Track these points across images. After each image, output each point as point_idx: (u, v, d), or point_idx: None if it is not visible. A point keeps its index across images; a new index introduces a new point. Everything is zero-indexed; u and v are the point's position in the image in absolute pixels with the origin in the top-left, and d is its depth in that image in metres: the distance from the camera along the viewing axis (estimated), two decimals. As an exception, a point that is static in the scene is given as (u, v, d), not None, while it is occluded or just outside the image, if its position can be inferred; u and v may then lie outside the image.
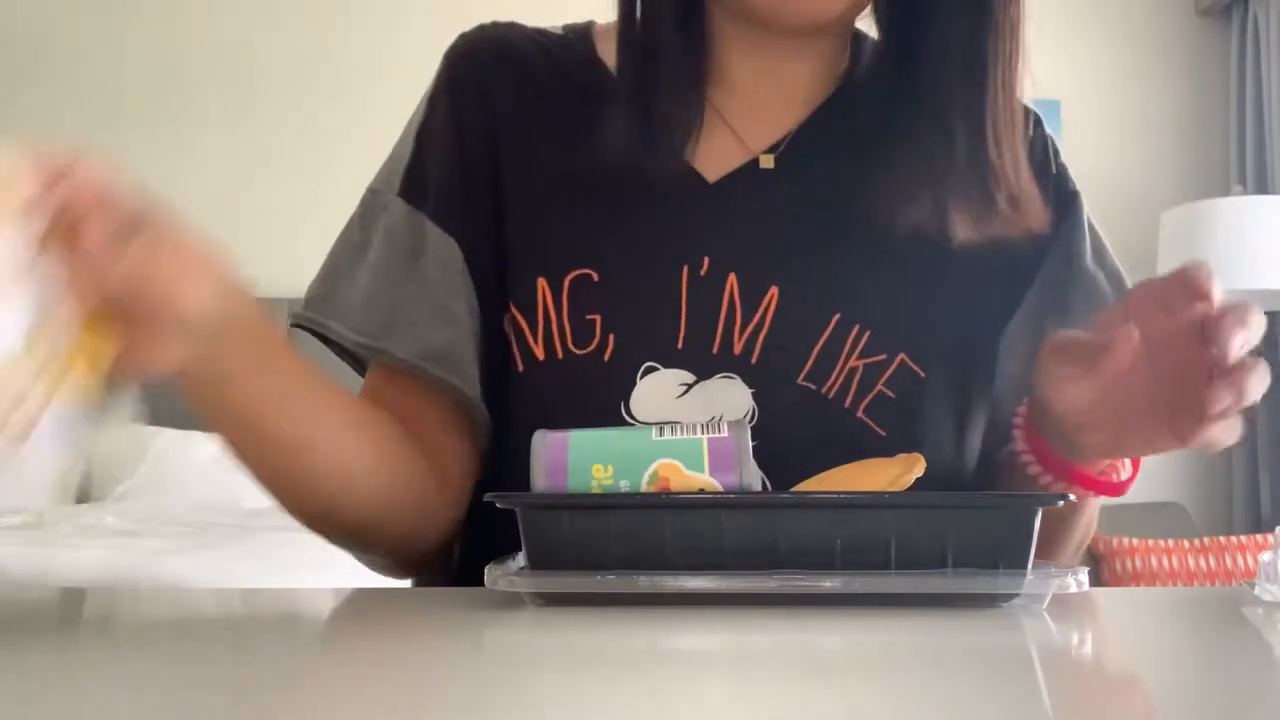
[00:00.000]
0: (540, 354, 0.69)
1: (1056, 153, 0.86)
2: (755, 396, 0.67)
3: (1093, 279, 0.80)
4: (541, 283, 0.69)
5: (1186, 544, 2.67)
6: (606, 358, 0.68)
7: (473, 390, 0.71)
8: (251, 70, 2.81)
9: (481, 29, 0.77)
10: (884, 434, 0.68)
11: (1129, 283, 0.74)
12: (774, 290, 0.69)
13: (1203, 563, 2.64)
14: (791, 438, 0.67)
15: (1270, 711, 0.27)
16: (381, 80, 2.70)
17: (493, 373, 0.71)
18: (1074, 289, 0.78)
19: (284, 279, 2.69)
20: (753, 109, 0.74)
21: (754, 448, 0.65)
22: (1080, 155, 3.11)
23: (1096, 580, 2.71)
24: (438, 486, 0.70)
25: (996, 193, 0.69)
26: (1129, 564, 2.65)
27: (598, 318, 0.69)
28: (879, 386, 0.69)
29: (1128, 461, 0.65)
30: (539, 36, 0.76)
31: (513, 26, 0.77)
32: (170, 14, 2.82)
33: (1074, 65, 3.15)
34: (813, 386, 0.68)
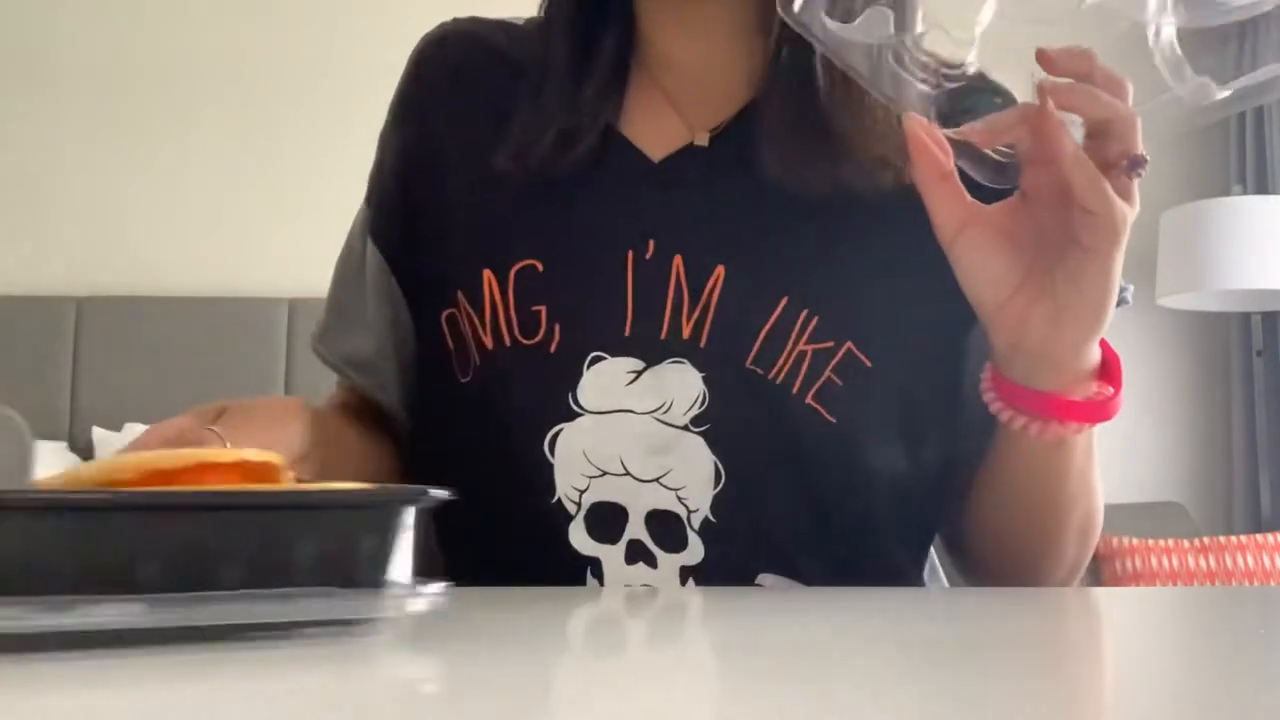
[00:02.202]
0: (489, 344, 0.69)
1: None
2: (705, 380, 0.66)
3: None
4: (488, 275, 0.69)
5: (1186, 544, 2.67)
6: (553, 349, 0.68)
7: (390, 399, 0.76)
8: (247, 71, 2.81)
9: (442, 27, 0.79)
10: (833, 420, 0.66)
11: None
12: (720, 270, 0.67)
13: (1203, 563, 2.64)
14: (741, 423, 0.66)
15: (1271, 712, 0.27)
16: (379, 80, 2.70)
17: (436, 372, 0.73)
18: None
19: (284, 280, 2.70)
20: (698, 90, 0.72)
21: (706, 432, 0.66)
22: (1080, 155, 3.11)
23: (1096, 580, 2.71)
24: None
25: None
26: (1129, 564, 2.65)
27: (543, 308, 0.68)
28: (827, 373, 0.66)
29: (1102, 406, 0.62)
30: (499, 31, 0.77)
31: (475, 21, 0.78)
32: (164, 15, 2.82)
33: (1074, 65, 3.15)
34: (760, 371, 0.66)
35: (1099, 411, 0.61)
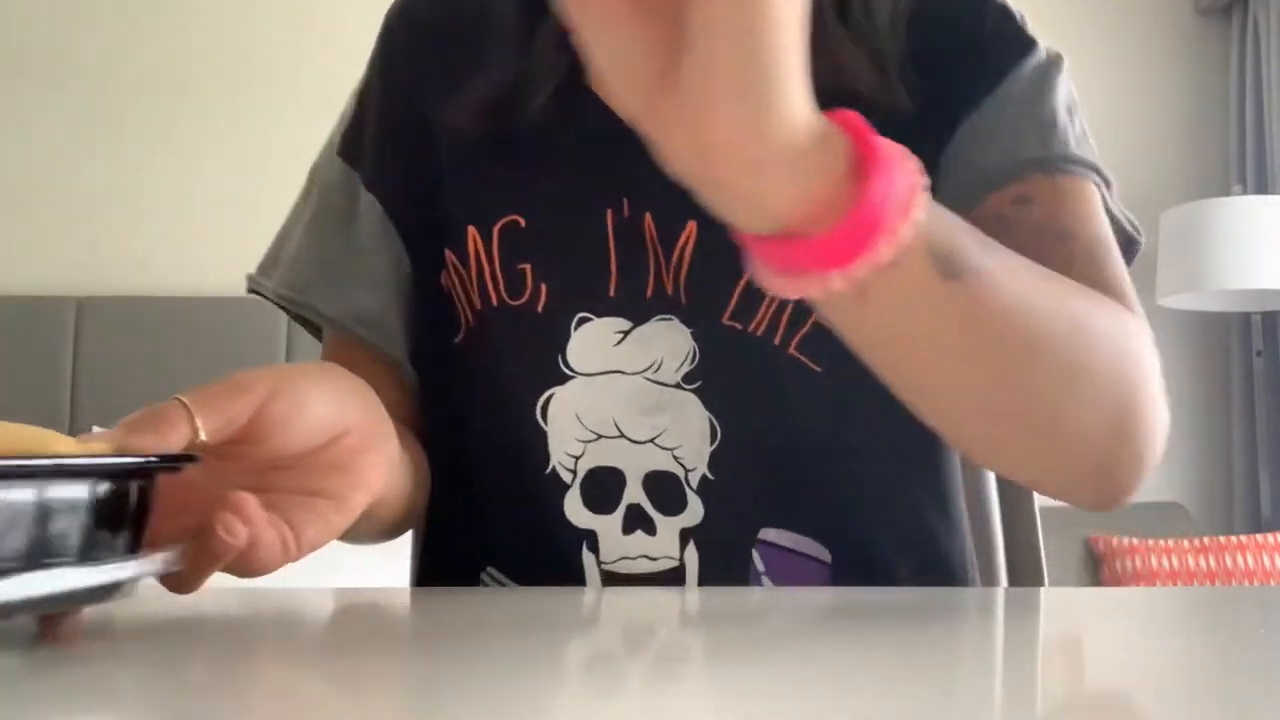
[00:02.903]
0: (478, 304, 0.68)
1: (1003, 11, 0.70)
2: (694, 336, 0.65)
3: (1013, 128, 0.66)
4: (472, 231, 0.68)
5: (1186, 544, 2.67)
6: (540, 309, 0.67)
7: (399, 353, 0.72)
8: (248, 71, 2.81)
9: None
10: (819, 369, 0.65)
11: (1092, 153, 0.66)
12: (691, 226, 0.65)
13: (1203, 563, 2.63)
14: (731, 379, 0.65)
15: (1271, 712, 0.27)
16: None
17: (433, 332, 0.71)
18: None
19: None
20: None
21: (698, 389, 0.64)
22: (1080, 155, 3.11)
23: (1096, 580, 2.71)
24: (425, 465, 0.70)
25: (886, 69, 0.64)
26: (1129, 564, 2.65)
27: (528, 266, 0.67)
28: (809, 322, 0.65)
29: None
30: None
31: None
32: (164, 15, 2.82)
33: (1074, 65, 3.14)
34: (738, 326, 0.65)
35: (825, 251, 0.42)
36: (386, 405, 0.68)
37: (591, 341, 0.66)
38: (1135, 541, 2.68)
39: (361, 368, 0.69)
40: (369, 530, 0.64)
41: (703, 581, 0.65)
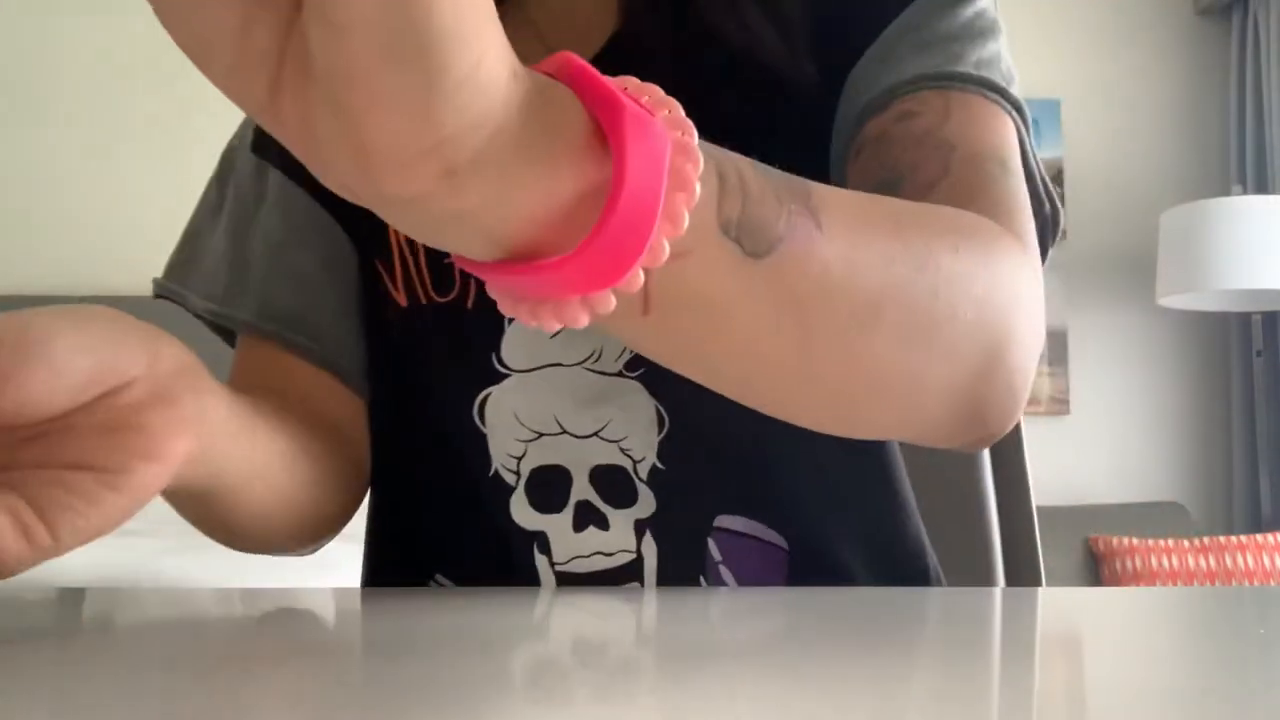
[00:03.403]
0: (403, 300, 0.65)
1: None
2: None
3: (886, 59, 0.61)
4: (393, 230, 0.64)
5: (1186, 544, 2.67)
6: (469, 305, 0.63)
7: (332, 350, 0.65)
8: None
9: None
10: None
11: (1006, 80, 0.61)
12: None
13: (1203, 562, 2.64)
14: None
15: (1271, 712, 0.27)
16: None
17: (372, 333, 0.67)
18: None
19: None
20: (567, 21, 0.66)
21: (642, 376, 0.60)
22: (1080, 155, 3.11)
23: (1096, 580, 2.71)
24: (355, 471, 0.65)
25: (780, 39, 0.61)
26: (1129, 564, 2.65)
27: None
28: None
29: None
30: None
31: None
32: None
33: (1074, 65, 3.15)
34: None
35: (578, 270, 0.31)
36: (318, 413, 0.63)
37: (526, 335, 0.62)
38: (1135, 541, 2.68)
39: (284, 373, 0.65)
40: (238, 527, 0.56)
41: (661, 572, 0.62)
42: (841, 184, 0.60)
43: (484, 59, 0.27)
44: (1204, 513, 3.03)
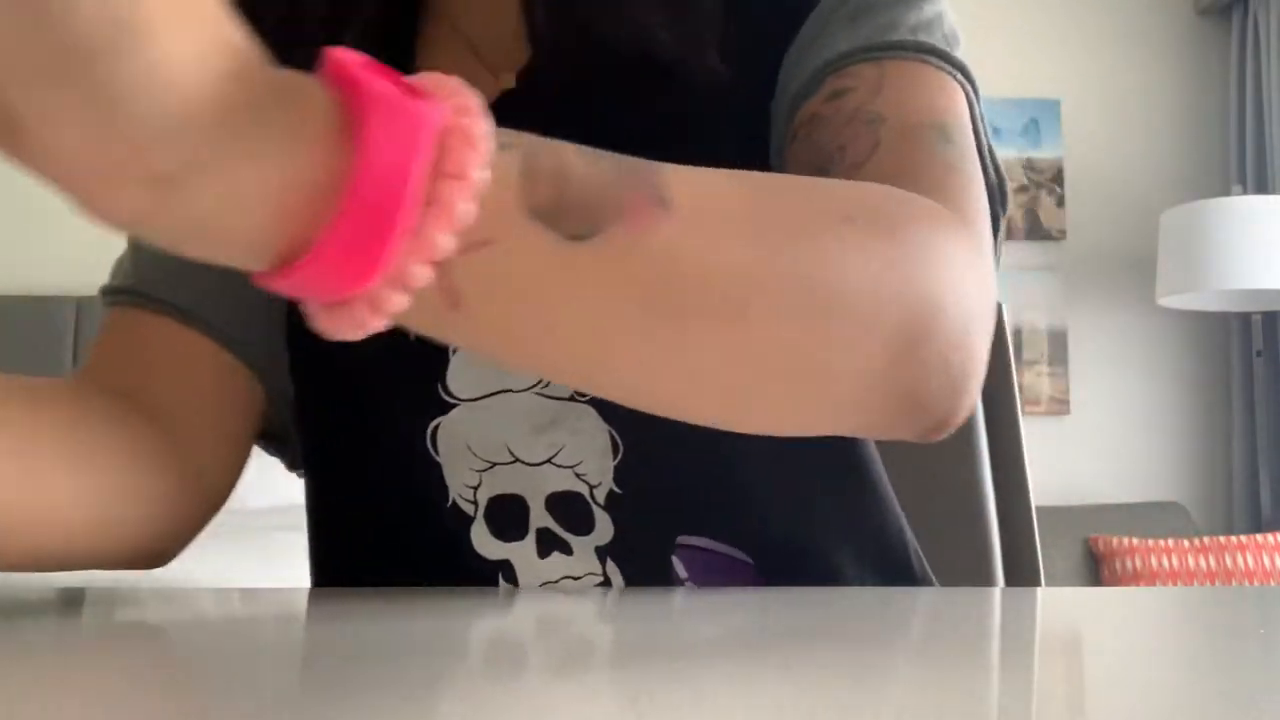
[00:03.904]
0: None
1: None
2: None
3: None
4: None
5: (1186, 544, 2.67)
6: (412, 334, 0.60)
7: (220, 316, 0.59)
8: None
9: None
10: None
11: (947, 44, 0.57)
12: None
13: (1203, 563, 2.64)
14: None
15: (1271, 712, 0.27)
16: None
17: (311, 379, 0.63)
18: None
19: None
20: (495, 26, 0.63)
21: (593, 400, 0.57)
22: (1080, 155, 3.12)
23: (1096, 580, 2.71)
24: (178, 493, 0.58)
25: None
26: (1129, 564, 2.65)
27: None
28: None
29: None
30: None
31: None
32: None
33: (1074, 65, 3.15)
34: None
35: (340, 266, 0.30)
36: (183, 385, 0.56)
37: (472, 363, 0.60)
38: (1135, 541, 2.68)
39: (159, 341, 0.58)
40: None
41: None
42: None
43: (163, 63, 0.26)
44: (1204, 513, 3.03)
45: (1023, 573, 0.84)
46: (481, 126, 0.31)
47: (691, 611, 0.48)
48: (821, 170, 0.52)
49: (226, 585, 1.53)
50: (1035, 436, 2.81)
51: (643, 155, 0.41)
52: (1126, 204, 3.10)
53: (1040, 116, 3.13)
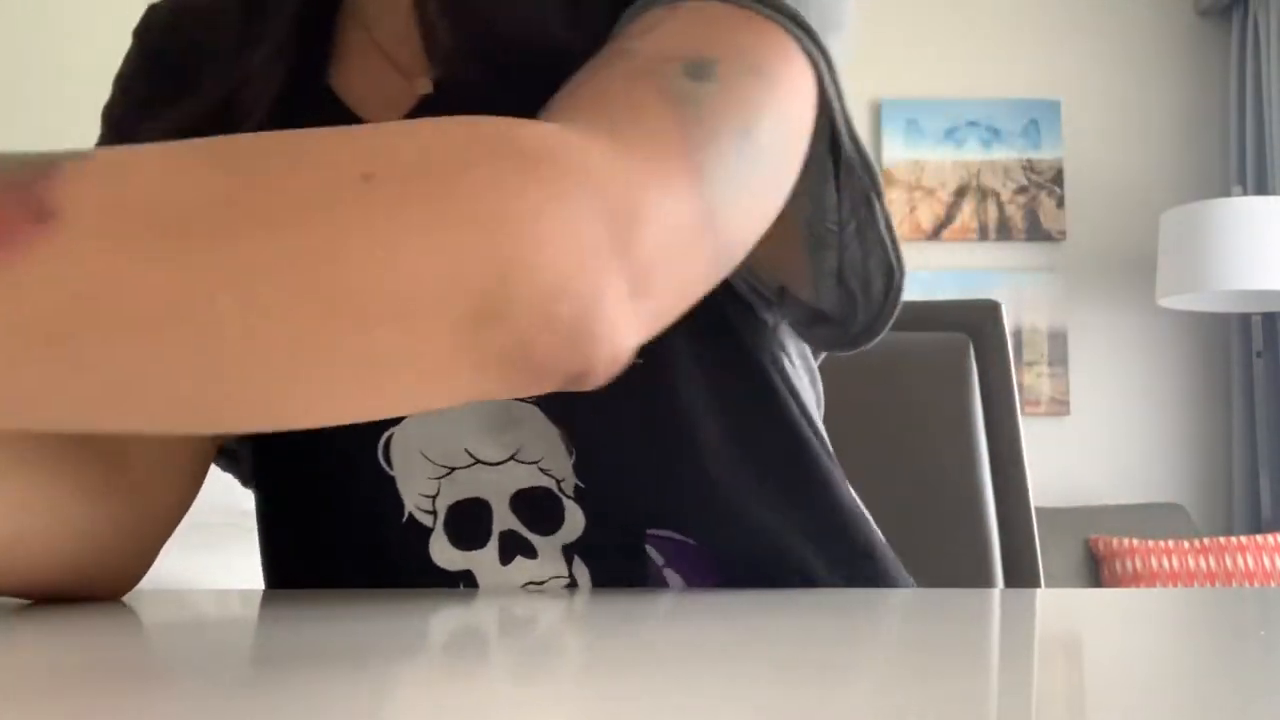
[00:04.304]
0: None
1: None
2: None
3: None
4: None
5: (1186, 544, 2.67)
6: None
7: None
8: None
9: (151, 8, 0.68)
10: (640, 358, 0.56)
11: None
12: None
13: (1203, 563, 2.64)
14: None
15: (1271, 713, 0.27)
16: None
17: None
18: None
19: None
20: (401, 30, 0.61)
21: (538, 401, 0.56)
22: (1080, 155, 3.12)
23: (1096, 581, 2.71)
24: (131, 523, 0.57)
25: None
26: (1129, 565, 2.65)
27: None
28: None
29: None
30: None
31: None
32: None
33: (1074, 65, 3.16)
34: None
35: None
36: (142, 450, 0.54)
37: None
38: (1135, 542, 2.68)
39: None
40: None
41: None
42: None
43: None
44: (1204, 513, 3.03)
45: (1022, 574, 0.84)
46: None
47: (681, 613, 0.47)
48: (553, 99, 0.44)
49: (226, 586, 1.53)
50: (1035, 437, 2.81)
51: None
52: (1126, 204, 3.10)
53: (1040, 117, 3.13)
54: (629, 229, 0.37)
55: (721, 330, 0.60)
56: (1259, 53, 3.01)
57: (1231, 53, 3.11)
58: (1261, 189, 2.97)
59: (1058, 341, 3.06)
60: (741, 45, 0.46)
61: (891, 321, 0.62)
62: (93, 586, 0.56)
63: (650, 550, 0.59)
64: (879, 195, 0.56)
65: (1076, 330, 3.07)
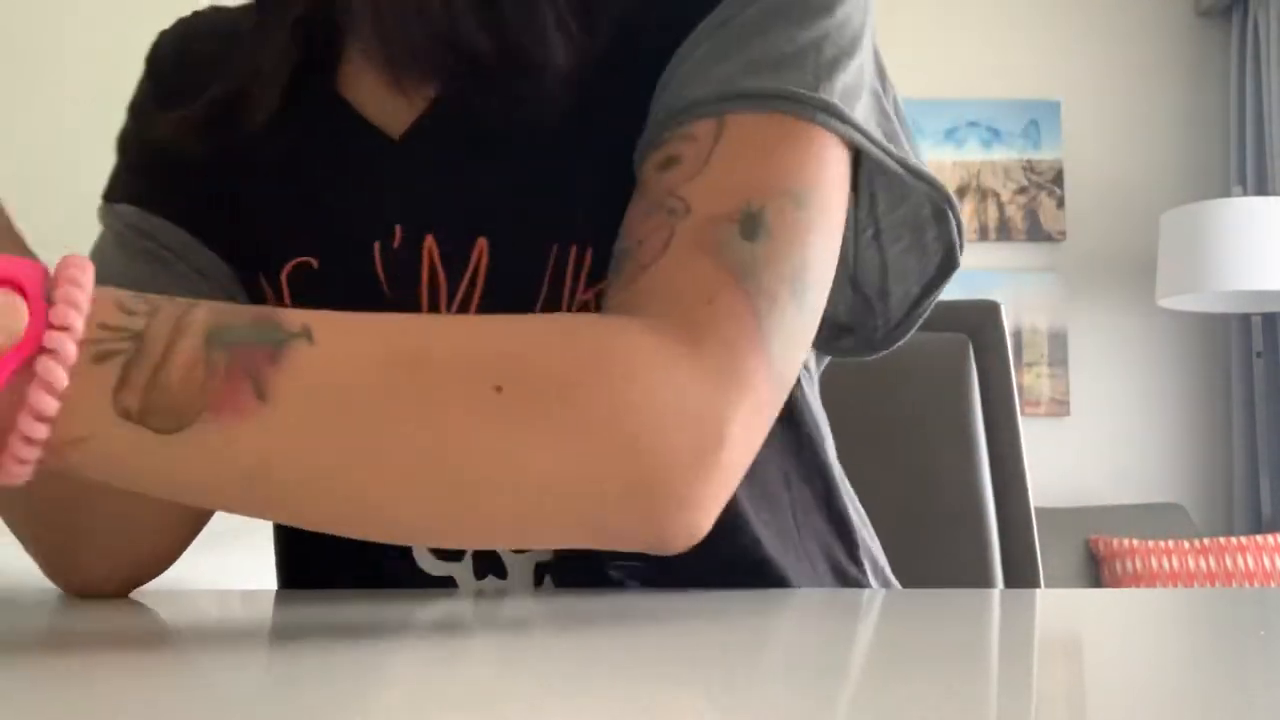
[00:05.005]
0: None
1: None
2: None
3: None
4: (262, 280, 0.62)
5: (1186, 544, 2.67)
6: None
7: None
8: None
9: (182, 22, 0.72)
10: None
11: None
12: (482, 242, 0.58)
13: (1203, 563, 2.63)
14: None
15: (1271, 712, 0.27)
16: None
17: None
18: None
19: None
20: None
21: None
22: (1080, 155, 3.12)
23: (1096, 581, 2.71)
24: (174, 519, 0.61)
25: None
26: (1129, 565, 2.65)
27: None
28: None
29: None
30: (226, 20, 0.69)
31: (216, 11, 0.70)
32: (163, 13, 2.82)
33: (1074, 65, 3.15)
34: None
35: None
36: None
37: None
38: (1135, 542, 2.68)
39: None
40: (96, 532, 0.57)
41: None
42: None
43: None
44: (1204, 513, 3.03)
45: (1022, 574, 0.84)
46: (68, 350, 0.37)
47: (681, 612, 0.47)
48: (620, 257, 0.52)
49: (226, 586, 1.53)
50: (1035, 437, 2.80)
51: (565, 153, 0.52)
52: (1126, 205, 3.10)
53: (1040, 117, 3.13)
54: (718, 432, 0.45)
55: None
56: (1259, 53, 3.01)
57: (1231, 53, 3.10)
58: (1261, 189, 2.97)
59: (1058, 342, 3.05)
60: (782, 173, 0.51)
61: (915, 328, 0.63)
62: (140, 574, 0.61)
63: (612, 574, 0.59)
64: (949, 203, 0.58)
65: (1076, 331, 3.07)
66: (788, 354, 0.49)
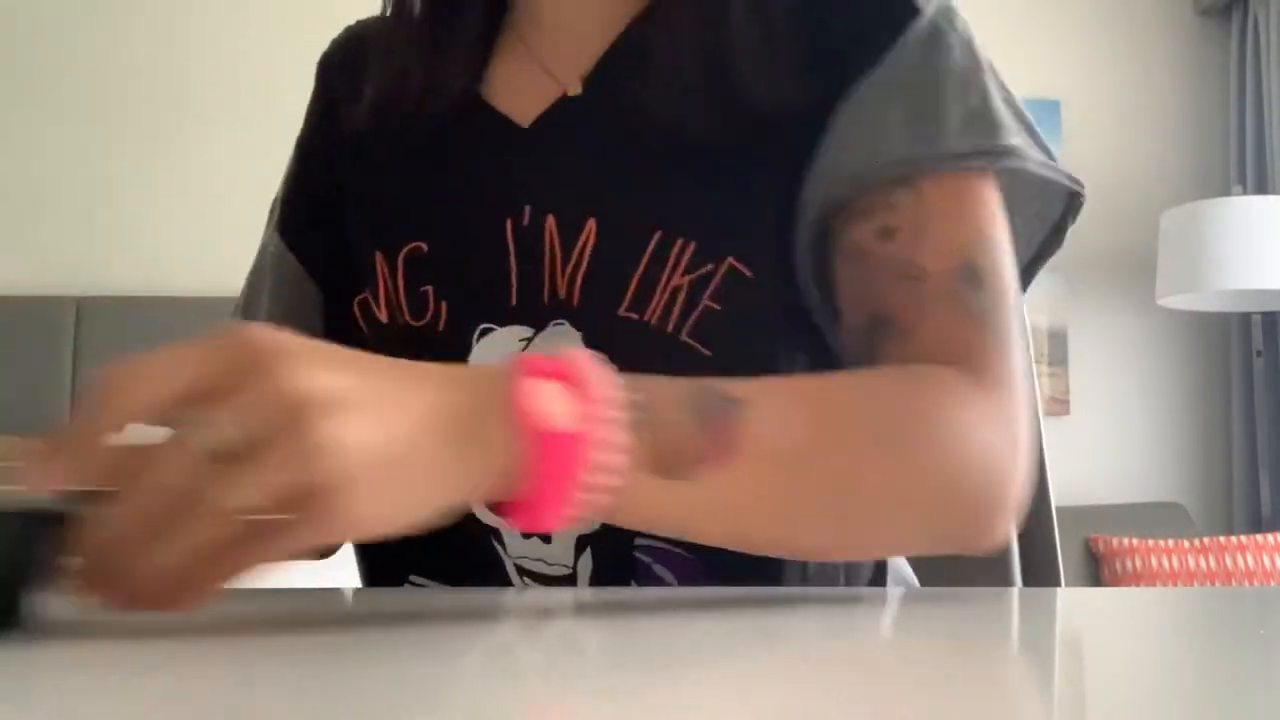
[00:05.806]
0: (384, 318, 0.70)
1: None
2: (585, 339, 0.65)
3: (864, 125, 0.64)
4: (379, 257, 0.70)
5: (1186, 544, 2.67)
6: (441, 327, 0.68)
7: None
8: (245, 70, 2.81)
9: (347, 30, 0.82)
10: (709, 353, 0.64)
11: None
12: (591, 224, 0.66)
13: (1203, 563, 2.64)
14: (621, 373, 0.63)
15: (1271, 712, 0.27)
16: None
17: None
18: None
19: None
20: (561, 40, 0.71)
21: None
22: (1080, 155, 3.11)
23: (1096, 581, 2.71)
24: None
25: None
26: (1129, 564, 2.65)
27: (430, 289, 0.68)
28: (704, 302, 0.64)
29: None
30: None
31: (378, 19, 0.78)
32: (162, 15, 2.82)
33: (1074, 65, 3.15)
34: (634, 316, 0.64)
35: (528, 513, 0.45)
36: None
37: (495, 353, 0.66)
38: (1135, 541, 2.68)
39: None
40: None
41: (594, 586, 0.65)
42: (810, 245, 0.64)
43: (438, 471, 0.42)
44: (1204, 513, 3.03)
45: (1041, 573, 0.84)
46: (618, 436, 0.45)
47: (695, 612, 0.48)
48: (882, 325, 0.61)
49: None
50: (1035, 437, 2.79)
51: (688, 149, 0.63)
52: (1126, 204, 3.10)
53: (1040, 116, 3.13)
54: (1018, 457, 0.57)
55: (794, 365, 0.67)
56: (1259, 52, 3.01)
57: (1231, 53, 3.10)
58: (1261, 189, 2.97)
59: (1058, 341, 3.05)
60: (979, 222, 0.62)
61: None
62: None
63: (638, 555, 0.64)
64: (1081, 198, 0.68)
65: (1076, 330, 3.07)
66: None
